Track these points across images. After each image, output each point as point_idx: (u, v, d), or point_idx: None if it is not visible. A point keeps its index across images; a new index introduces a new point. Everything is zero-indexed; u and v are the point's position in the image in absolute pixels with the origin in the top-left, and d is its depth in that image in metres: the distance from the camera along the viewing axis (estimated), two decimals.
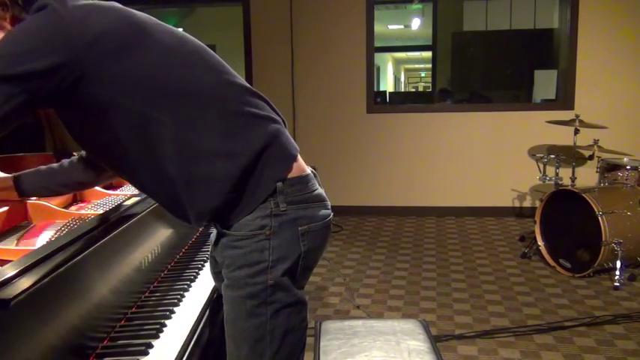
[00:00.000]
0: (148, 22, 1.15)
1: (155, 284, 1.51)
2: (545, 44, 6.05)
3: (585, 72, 4.97)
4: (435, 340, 1.85)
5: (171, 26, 1.20)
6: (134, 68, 1.09)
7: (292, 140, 1.26)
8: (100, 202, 1.74)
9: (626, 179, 3.79)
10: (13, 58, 0.99)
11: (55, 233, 1.40)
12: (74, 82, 1.04)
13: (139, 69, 1.09)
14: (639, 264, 3.59)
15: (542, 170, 4.10)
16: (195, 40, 1.22)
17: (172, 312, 1.36)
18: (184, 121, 1.12)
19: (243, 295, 1.19)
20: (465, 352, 2.63)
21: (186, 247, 1.84)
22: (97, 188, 1.83)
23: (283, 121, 1.27)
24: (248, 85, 1.24)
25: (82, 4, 1.08)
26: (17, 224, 1.58)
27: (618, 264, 3.39)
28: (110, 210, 1.50)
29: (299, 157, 1.24)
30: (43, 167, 1.46)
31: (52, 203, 1.58)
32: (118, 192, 1.87)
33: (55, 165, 1.46)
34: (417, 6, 8.24)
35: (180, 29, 1.25)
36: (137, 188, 1.31)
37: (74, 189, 1.58)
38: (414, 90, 17.47)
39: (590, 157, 3.98)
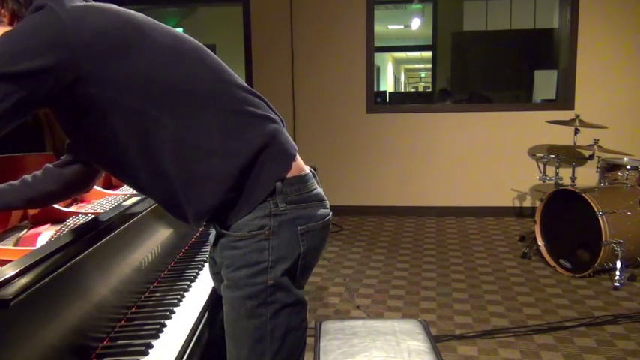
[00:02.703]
0: (145, 22, 1.15)
1: (155, 284, 1.51)
2: (545, 44, 6.05)
3: (585, 72, 4.97)
4: (435, 340, 1.85)
5: (168, 26, 1.20)
6: (132, 68, 1.09)
7: (291, 140, 1.26)
8: (100, 202, 1.74)
9: (626, 179, 3.79)
10: (10, 56, 1.00)
11: (55, 233, 1.39)
12: (72, 82, 1.04)
13: (137, 68, 1.09)
14: (639, 264, 3.59)
15: (542, 170, 4.10)
16: (193, 39, 1.23)
17: (172, 312, 1.35)
18: (183, 120, 1.12)
19: (243, 296, 1.19)
20: (465, 352, 2.63)
21: (186, 247, 1.84)
22: (97, 188, 1.83)
23: (281, 120, 1.27)
24: (246, 84, 1.24)
25: (79, 4, 1.09)
26: (17, 224, 1.58)
27: (618, 264, 3.39)
28: (110, 210, 1.50)
29: (297, 156, 1.24)
30: (1, 185, 1.34)
31: None
32: (117, 192, 1.87)
33: (15, 182, 1.35)
34: (417, 6, 8.24)
35: (181, 29, 1.25)
36: (134, 188, 1.31)
37: (42, 202, 1.43)
38: (414, 90, 17.47)
39: (590, 157, 3.98)
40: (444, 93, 6.69)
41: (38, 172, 1.37)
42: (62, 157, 1.39)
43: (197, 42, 1.23)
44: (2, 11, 1.12)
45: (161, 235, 1.64)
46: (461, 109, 5.42)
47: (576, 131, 3.98)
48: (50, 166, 1.37)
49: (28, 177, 1.36)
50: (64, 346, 1.04)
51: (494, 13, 6.69)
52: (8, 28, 1.12)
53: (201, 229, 1.98)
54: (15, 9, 1.12)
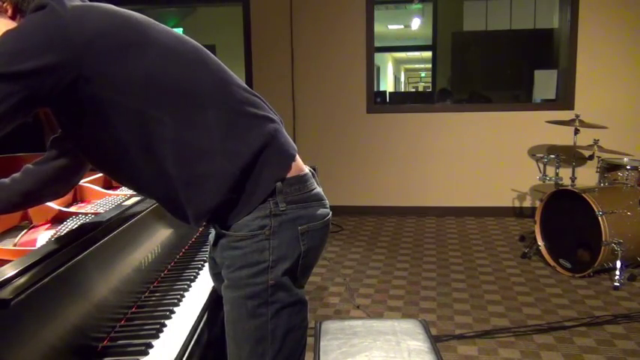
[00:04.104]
0: (146, 22, 1.15)
1: (155, 284, 1.51)
2: (545, 44, 6.05)
3: (585, 72, 4.97)
4: (435, 340, 1.85)
5: (168, 27, 1.21)
6: (133, 68, 1.09)
7: (290, 140, 1.26)
8: (100, 202, 1.74)
9: (626, 179, 3.79)
10: (11, 55, 0.99)
11: (55, 233, 1.39)
12: (73, 81, 1.04)
13: (138, 68, 1.09)
14: (639, 264, 3.59)
15: (542, 170, 4.10)
16: (193, 40, 1.23)
17: (172, 312, 1.35)
18: (183, 120, 1.12)
19: (244, 296, 1.19)
20: (465, 352, 2.63)
21: (186, 247, 1.84)
22: (97, 188, 1.83)
23: (281, 120, 1.27)
24: (245, 85, 1.25)
25: (80, 4, 1.09)
26: (17, 224, 1.58)
27: (618, 264, 3.39)
28: (110, 210, 1.50)
29: (297, 156, 1.24)
30: None
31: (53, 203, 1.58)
32: (117, 192, 1.87)
33: None
34: (417, 6, 8.24)
35: (180, 29, 1.25)
36: (134, 189, 1.30)
37: (22, 204, 1.36)
38: (414, 90, 17.47)
39: (590, 157, 3.98)
40: (444, 93, 6.68)
41: (17, 174, 1.32)
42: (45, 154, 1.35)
43: (197, 43, 1.23)
44: (4, 5, 1.12)
45: (161, 235, 1.64)
46: (461, 109, 5.41)
47: (576, 131, 3.97)
48: (30, 165, 1.33)
49: (6, 179, 1.31)
50: (64, 346, 1.04)
51: (494, 13, 6.68)
52: (10, 21, 1.12)
53: (201, 229, 1.98)
54: (18, 2, 1.12)
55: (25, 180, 1.31)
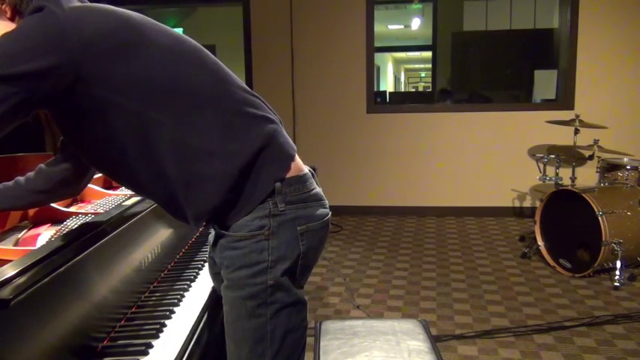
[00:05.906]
0: (144, 23, 1.15)
1: (155, 284, 1.51)
2: (545, 44, 6.05)
3: (585, 72, 4.97)
4: (435, 340, 1.85)
5: (167, 27, 1.20)
6: (131, 69, 1.09)
7: (290, 140, 1.26)
8: (100, 202, 1.74)
9: (626, 179, 3.79)
10: (9, 58, 0.99)
11: (55, 233, 1.39)
12: (71, 83, 1.04)
13: (136, 69, 1.09)
14: (639, 264, 3.59)
15: (542, 170, 4.10)
16: (192, 40, 1.23)
17: (172, 312, 1.35)
18: (182, 120, 1.12)
19: (243, 296, 1.19)
20: (465, 352, 2.63)
21: (186, 247, 1.84)
22: (97, 188, 1.83)
23: (280, 121, 1.27)
24: (244, 85, 1.24)
25: (78, 5, 1.08)
26: (17, 224, 1.58)
27: (618, 264, 3.39)
28: (110, 210, 1.50)
29: (296, 156, 1.24)
30: None
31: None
32: (117, 192, 1.87)
33: (9, 182, 1.33)
34: (417, 6, 8.24)
35: (180, 29, 1.24)
36: (133, 190, 1.30)
37: (34, 202, 1.40)
38: (414, 90, 17.47)
39: (590, 157, 3.98)
40: (444, 93, 6.68)
41: (31, 173, 1.35)
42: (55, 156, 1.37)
43: (196, 43, 1.23)
44: (3, 7, 1.12)
45: (161, 235, 1.64)
46: (461, 109, 5.41)
47: (576, 131, 3.98)
48: (43, 165, 1.35)
49: (21, 178, 1.34)
50: (64, 346, 1.04)
51: (494, 13, 6.68)
52: (9, 23, 1.12)
53: (201, 229, 1.98)
54: (17, 4, 1.12)
55: (37, 180, 1.33)
